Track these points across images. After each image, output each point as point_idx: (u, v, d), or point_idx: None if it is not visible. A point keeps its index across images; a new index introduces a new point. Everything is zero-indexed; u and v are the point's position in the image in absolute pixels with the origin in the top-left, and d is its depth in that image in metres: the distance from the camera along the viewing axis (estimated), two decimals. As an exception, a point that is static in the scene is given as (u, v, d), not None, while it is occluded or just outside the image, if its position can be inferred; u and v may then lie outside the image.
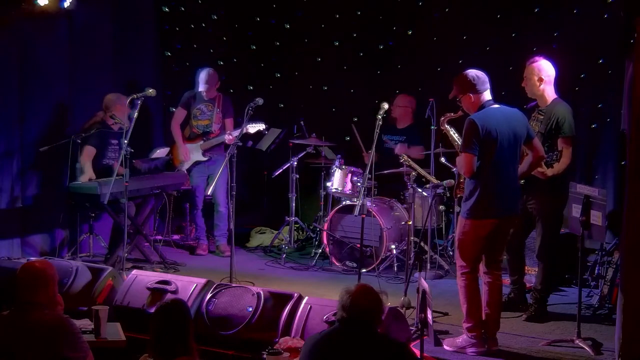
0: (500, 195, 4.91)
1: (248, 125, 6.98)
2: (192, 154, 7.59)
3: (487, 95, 5.01)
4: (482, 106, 4.97)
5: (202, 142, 7.57)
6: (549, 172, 5.40)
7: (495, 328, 5.03)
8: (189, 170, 7.61)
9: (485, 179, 4.88)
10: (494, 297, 5.04)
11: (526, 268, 6.13)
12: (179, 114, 7.68)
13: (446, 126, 5.48)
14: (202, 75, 7.54)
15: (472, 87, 4.97)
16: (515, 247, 5.83)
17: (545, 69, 5.62)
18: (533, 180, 5.41)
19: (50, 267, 3.95)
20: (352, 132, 7.87)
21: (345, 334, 3.50)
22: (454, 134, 5.49)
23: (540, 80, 5.60)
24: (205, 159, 7.57)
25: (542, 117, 5.61)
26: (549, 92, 5.65)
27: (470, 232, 4.95)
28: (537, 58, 5.66)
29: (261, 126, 7.33)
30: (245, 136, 6.43)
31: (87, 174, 6.79)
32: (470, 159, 4.87)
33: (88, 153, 6.81)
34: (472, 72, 5.02)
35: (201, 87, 7.50)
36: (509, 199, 4.97)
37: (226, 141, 7.46)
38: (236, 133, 7.30)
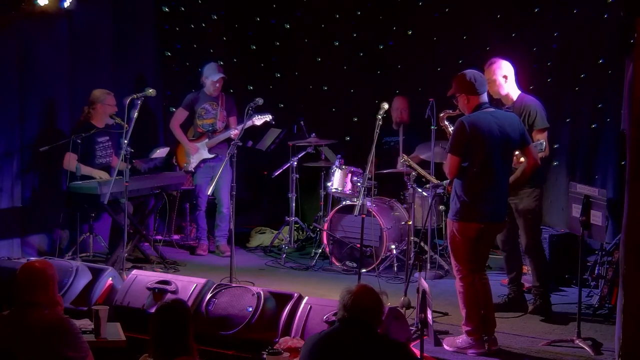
0: (485, 200, 4.89)
1: (254, 118, 6.97)
2: (199, 151, 7.60)
3: (483, 98, 5.01)
4: (476, 108, 4.97)
5: (207, 140, 7.57)
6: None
7: (493, 326, 5.03)
8: (195, 170, 7.61)
9: (472, 182, 4.88)
10: (484, 296, 5.02)
11: (525, 268, 6.12)
12: (180, 114, 7.68)
13: (445, 122, 5.49)
14: (213, 66, 7.53)
15: (470, 88, 4.98)
16: (509, 244, 5.83)
17: (506, 67, 5.66)
18: None
19: (50, 267, 3.94)
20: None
21: (346, 334, 3.50)
22: (452, 131, 5.49)
23: (505, 77, 5.64)
24: (211, 156, 7.55)
25: None
26: (513, 89, 5.69)
27: (459, 234, 4.96)
28: (495, 59, 5.69)
29: (268, 117, 7.30)
30: (248, 133, 6.40)
31: (96, 173, 6.83)
32: (454, 161, 4.89)
33: (67, 159, 6.76)
34: (471, 73, 5.03)
35: (215, 77, 7.44)
36: (495, 204, 4.94)
37: (232, 135, 7.44)
38: (244, 126, 7.31)
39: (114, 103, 6.94)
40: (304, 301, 4.97)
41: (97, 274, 5.54)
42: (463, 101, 5.04)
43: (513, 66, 5.71)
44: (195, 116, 7.61)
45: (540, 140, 5.45)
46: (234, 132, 7.40)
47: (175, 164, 7.74)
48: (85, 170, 6.75)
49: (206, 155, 7.58)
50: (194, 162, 7.60)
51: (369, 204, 6.70)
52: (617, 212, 6.08)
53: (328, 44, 8.69)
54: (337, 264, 7.15)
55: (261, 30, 8.93)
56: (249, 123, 6.66)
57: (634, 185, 4.16)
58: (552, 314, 5.71)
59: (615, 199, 6.62)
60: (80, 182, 6.61)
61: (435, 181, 6.70)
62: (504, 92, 5.67)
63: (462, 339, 4.99)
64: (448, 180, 5.19)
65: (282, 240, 8.07)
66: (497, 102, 5.70)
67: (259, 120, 7.18)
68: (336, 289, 5.65)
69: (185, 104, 7.66)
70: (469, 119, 4.91)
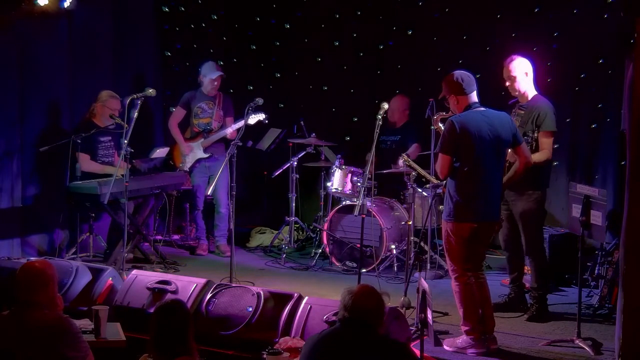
0: (478, 199, 4.90)
1: (247, 117, 6.97)
2: (193, 151, 7.60)
3: (472, 98, 5.01)
4: (467, 108, 4.98)
5: (202, 139, 7.57)
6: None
7: (492, 324, 5.03)
8: (191, 169, 7.61)
9: (464, 182, 4.89)
10: (482, 295, 5.02)
11: (526, 268, 6.12)
12: (178, 113, 7.68)
13: (439, 125, 5.49)
14: (211, 65, 7.53)
15: (458, 88, 4.99)
16: (511, 244, 5.83)
17: (526, 64, 5.66)
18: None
19: (50, 267, 3.94)
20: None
21: (346, 334, 3.50)
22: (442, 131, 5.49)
23: (526, 74, 5.63)
24: (206, 155, 7.56)
25: (522, 112, 5.64)
26: (530, 88, 5.69)
27: (453, 234, 4.96)
28: (515, 56, 5.69)
29: (261, 116, 7.27)
30: (248, 132, 6.38)
31: (108, 169, 6.87)
32: (445, 160, 4.90)
33: (83, 159, 6.76)
34: (459, 74, 5.05)
35: (213, 75, 7.44)
36: (487, 204, 4.94)
37: (227, 135, 7.44)
38: (237, 126, 7.30)
39: (116, 107, 6.91)
40: (304, 301, 4.96)
41: (97, 274, 5.54)
42: (453, 102, 5.06)
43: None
44: (192, 115, 7.62)
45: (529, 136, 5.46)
46: (229, 132, 7.41)
47: (172, 163, 7.74)
48: (97, 167, 6.84)
49: (201, 154, 7.58)
50: (189, 162, 7.60)
51: (369, 204, 6.70)
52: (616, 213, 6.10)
53: (328, 44, 8.69)
54: (337, 264, 7.15)
55: (261, 30, 8.93)
56: (241, 123, 6.66)
57: (634, 185, 4.17)
58: (550, 314, 5.71)
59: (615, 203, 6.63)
60: (80, 182, 6.61)
61: (435, 181, 6.69)
62: (522, 89, 5.66)
63: (462, 339, 5.00)
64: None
65: (282, 240, 8.07)
66: (516, 100, 5.74)
67: (252, 119, 7.17)
68: (336, 289, 5.66)
69: (182, 102, 7.66)
70: (458, 118, 4.93)
